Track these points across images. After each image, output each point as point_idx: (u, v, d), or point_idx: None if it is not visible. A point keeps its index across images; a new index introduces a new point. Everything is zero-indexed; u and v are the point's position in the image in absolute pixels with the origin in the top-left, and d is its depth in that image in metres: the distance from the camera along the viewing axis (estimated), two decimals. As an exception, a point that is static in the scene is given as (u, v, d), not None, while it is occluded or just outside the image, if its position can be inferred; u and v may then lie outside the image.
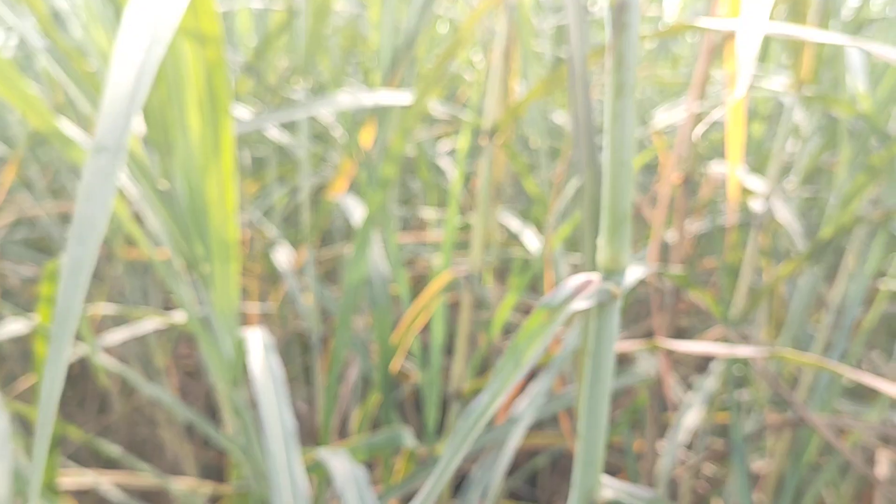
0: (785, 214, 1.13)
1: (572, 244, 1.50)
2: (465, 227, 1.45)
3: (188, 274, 0.68)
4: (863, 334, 0.91)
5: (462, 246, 1.45)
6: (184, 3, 0.39)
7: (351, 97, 0.82)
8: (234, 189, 0.65)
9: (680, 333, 1.60)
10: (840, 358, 0.92)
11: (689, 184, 0.90)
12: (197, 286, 0.68)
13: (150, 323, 1.04)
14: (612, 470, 1.42)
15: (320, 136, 1.58)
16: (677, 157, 0.82)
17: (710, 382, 1.07)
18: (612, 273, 0.38)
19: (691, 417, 1.03)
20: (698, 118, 0.88)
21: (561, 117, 1.59)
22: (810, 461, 0.96)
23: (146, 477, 0.95)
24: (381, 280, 0.87)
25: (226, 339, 0.64)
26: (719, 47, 0.87)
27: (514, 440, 0.71)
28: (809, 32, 0.49)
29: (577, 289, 0.38)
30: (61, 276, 0.33)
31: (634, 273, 0.80)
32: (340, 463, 0.64)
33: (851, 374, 0.53)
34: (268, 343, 0.66)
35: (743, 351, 0.58)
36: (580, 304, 0.37)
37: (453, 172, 1.51)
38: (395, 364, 0.86)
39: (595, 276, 0.38)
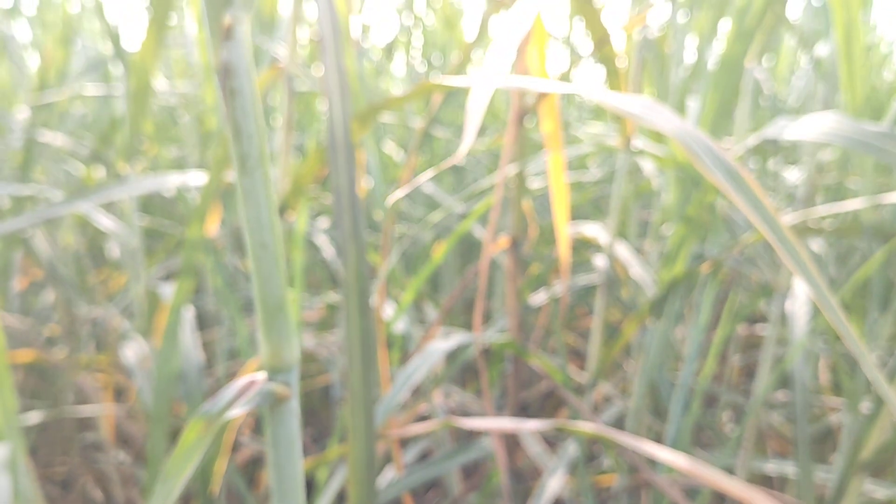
0: (637, 269, 1.11)
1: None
2: (334, 308, 1.39)
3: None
4: (704, 381, 0.87)
5: (327, 326, 1.39)
6: None
7: (144, 181, 0.76)
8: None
9: (556, 397, 1.55)
10: (683, 410, 0.88)
11: (519, 247, 0.86)
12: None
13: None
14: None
15: (181, 219, 1.51)
16: (495, 221, 0.78)
17: (572, 447, 1.02)
18: (278, 371, 0.32)
19: (554, 484, 0.97)
20: (519, 178, 0.85)
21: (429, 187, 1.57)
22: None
23: None
24: (194, 371, 0.80)
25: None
26: (533, 107, 0.84)
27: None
28: (545, 84, 0.45)
29: (240, 392, 0.32)
30: None
31: (447, 344, 0.75)
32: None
33: (628, 443, 0.48)
34: (2, 460, 0.59)
35: (528, 426, 0.53)
36: (240, 409, 0.31)
37: (328, 249, 1.46)
38: (220, 465, 0.79)
39: (260, 376, 0.33)
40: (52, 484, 1.51)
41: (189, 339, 0.83)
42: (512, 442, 0.92)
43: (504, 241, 0.86)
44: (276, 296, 0.31)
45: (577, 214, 1.57)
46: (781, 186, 1.42)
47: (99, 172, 1.43)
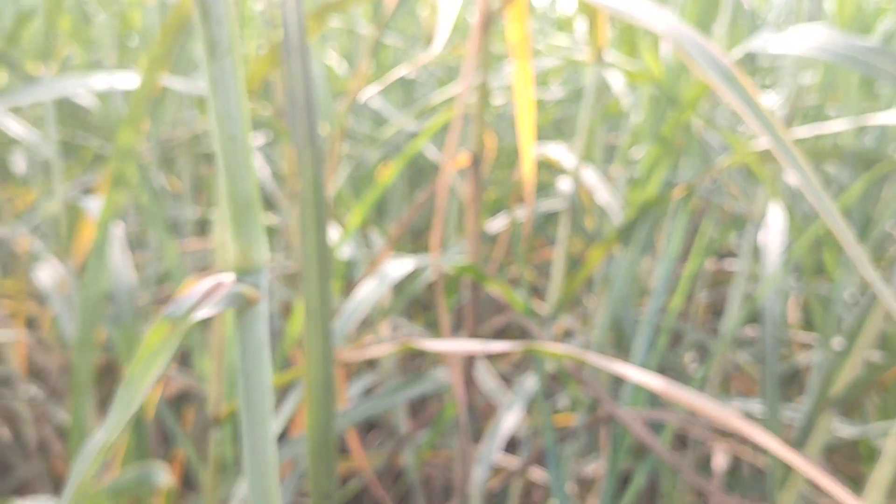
0: (603, 194, 1.14)
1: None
2: (270, 230, 1.40)
3: None
4: (671, 317, 0.91)
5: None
6: None
7: (67, 82, 0.76)
8: None
9: (522, 332, 1.60)
10: (648, 347, 0.92)
11: (479, 165, 0.88)
12: None
13: None
14: (447, 488, 1.40)
15: (97, 130, 1.50)
16: (456, 135, 0.80)
17: (530, 381, 1.06)
18: (247, 272, 0.34)
19: (510, 420, 1.01)
20: (481, 91, 0.87)
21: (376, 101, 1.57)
22: (636, 450, 0.96)
23: None
24: (125, 292, 0.81)
25: None
26: (499, 12, 0.85)
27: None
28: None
29: (206, 294, 0.34)
30: None
31: (404, 267, 0.77)
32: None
33: (600, 363, 0.51)
34: None
35: (497, 346, 0.56)
36: (207, 311, 0.33)
37: (263, 169, 1.46)
38: (152, 395, 0.81)
39: (228, 278, 0.34)
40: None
41: (119, 257, 0.84)
42: (465, 377, 0.96)
43: (464, 158, 0.87)
44: (245, 192, 0.33)
45: (537, 136, 1.59)
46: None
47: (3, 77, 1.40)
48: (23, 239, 1.29)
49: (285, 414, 0.70)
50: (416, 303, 1.63)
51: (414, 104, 1.75)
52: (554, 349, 0.54)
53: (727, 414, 0.49)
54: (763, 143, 0.84)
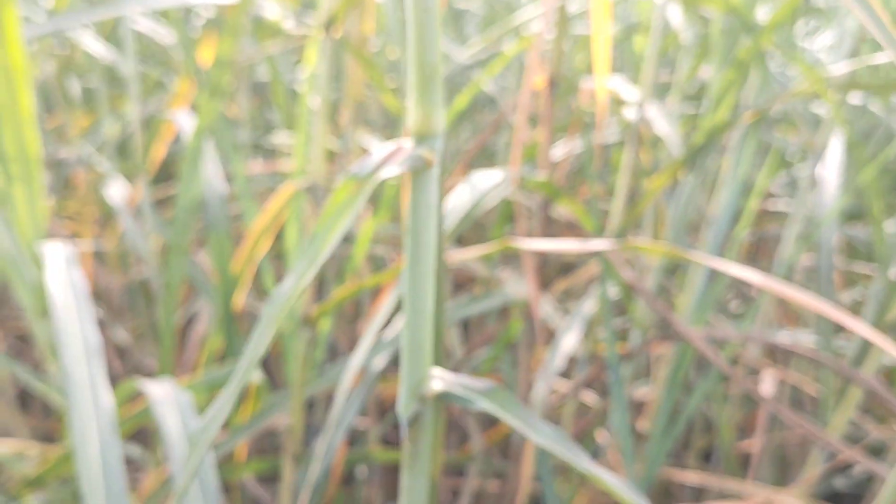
0: (662, 124, 1.17)
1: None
2: (329, 155, 1.43)
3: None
4: (735, 246, 0.95)
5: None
6: None
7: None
8: (27, 94, 0.62)
9: (567, 266, 1.64)
10: (710, 275, 0.96)
11: (556, 87, 0.91)
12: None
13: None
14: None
15: (155, 56, 1.53)
16: (537, 57, 0.83)
17: (588, 306, 1.10)
18: (425, 137, 0.38)
19: (568, 341, 1.05)
20: (561, 14, 0.89)
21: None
22: (684, 380, 1.00)
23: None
24: (217, 200, 0.85)
25: (28, 262, 0.62)
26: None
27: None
28: None
29: (388, 157, 0.37)
30: None
31: (492, 179, 0.81)
32: (162, 389, 0.63)
33: (701, 258, 0.55)
34: (70, 256, 0.64)
35: (595, 245, 0.60)
36: (390, 171, 0.37)
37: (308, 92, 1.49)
38: (239, 297, 0.85)
39: (406, 143, 0.38)
40: (12, 338, 1.57)
41: (212, 167, 0.87)
42: (537, 290, 0.99)
43: (541, 79, 0.90)
44: (431, 62, 0.36)
45: (590, 71, 1.61)
46: (808, 57, 1.47)
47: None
48: (91, 158, 1.33)
49: (384, 312, 0.74)
50: (462, 239, 1.67)
51: (463, 40, 1.77)
52: (656, 247, 0.58)
53: (821, 304, 0.52)
54: (836, 69, 0.87)
